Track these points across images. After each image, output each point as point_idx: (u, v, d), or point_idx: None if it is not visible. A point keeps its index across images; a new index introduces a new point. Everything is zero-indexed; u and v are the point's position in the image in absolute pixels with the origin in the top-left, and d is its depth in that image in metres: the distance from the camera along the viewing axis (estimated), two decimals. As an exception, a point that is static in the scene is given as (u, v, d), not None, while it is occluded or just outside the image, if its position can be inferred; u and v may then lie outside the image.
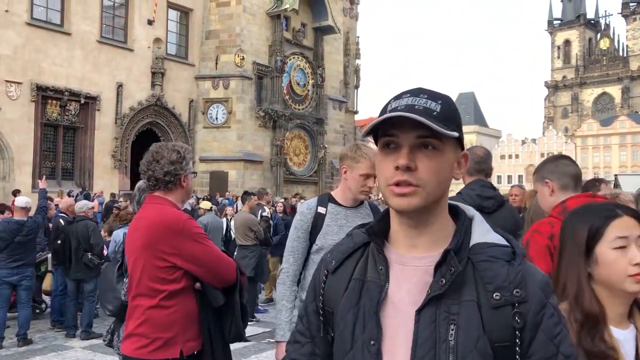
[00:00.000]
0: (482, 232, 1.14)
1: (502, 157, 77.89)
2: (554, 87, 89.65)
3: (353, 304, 1.15)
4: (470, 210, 1.20)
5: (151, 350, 2.53)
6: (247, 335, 7.29)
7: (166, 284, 2.55)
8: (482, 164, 3.37)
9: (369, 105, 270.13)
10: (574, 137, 76.60)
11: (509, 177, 73.41)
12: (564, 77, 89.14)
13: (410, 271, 1.13)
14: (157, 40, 22.85)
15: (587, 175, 59.07)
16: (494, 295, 1.05)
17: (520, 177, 69.71)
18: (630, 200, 3.22)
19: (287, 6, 24.95)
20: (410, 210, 1.09)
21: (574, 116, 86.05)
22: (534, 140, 78.89)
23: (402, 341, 1.08)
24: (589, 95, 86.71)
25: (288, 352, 1.30)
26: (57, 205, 10.30)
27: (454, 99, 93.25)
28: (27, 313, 7.20)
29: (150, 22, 22.36)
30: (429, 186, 1.08)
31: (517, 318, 1.05)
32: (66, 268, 7.60)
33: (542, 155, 75.58)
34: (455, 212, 1.18)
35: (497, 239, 1.13)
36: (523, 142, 78.97)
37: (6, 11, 18.16)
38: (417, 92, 1.10)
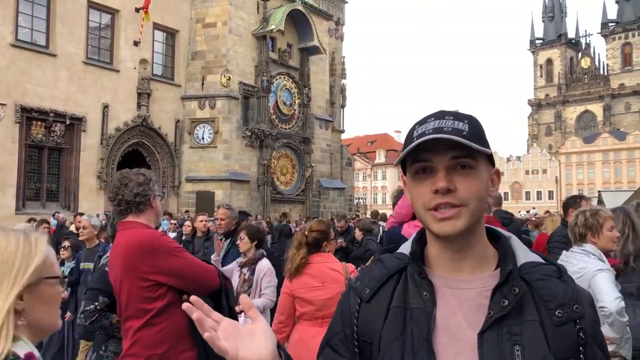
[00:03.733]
0: (524, 252, 1.13)
1: (488, 174, 78.29)
2: (537, 105, 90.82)
3: (398, 333, 1.10)
4: (505, 231, 1.18)
5: None
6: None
7: (152, 302, 2.62)
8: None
9: (355, 124, 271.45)
10: (557, 154, 77.46)
11: (495, 194, 73.73)
12: (547, 95, 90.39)
13: (462, 294, 1.10)
14: (143, 61, 22.87)
15: (571, 192, 59.60)
16: (556, 312, 1.05)
17: (505, 194, 70.13)
18: (610, 216, 3.28)
19: (273, 27, 25.16)
20: (455, 233, 1.06)
21: (558, 134, 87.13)
22: (518, 158, 79.61)
23: None
24: (571, 113, 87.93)
25: None
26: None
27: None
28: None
29: (136, 44, 22.39)
30: (472, 205, 1.06)
31: (581, 334, 1.05)
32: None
33: (527, 172, 76.36)
34: (492, 234, 1.16)
35: (538, 258, 1.13)
36: (508, 160, 79.66)
37: (-9, 33, 18.13)
38: (441, 115, 1.09)
